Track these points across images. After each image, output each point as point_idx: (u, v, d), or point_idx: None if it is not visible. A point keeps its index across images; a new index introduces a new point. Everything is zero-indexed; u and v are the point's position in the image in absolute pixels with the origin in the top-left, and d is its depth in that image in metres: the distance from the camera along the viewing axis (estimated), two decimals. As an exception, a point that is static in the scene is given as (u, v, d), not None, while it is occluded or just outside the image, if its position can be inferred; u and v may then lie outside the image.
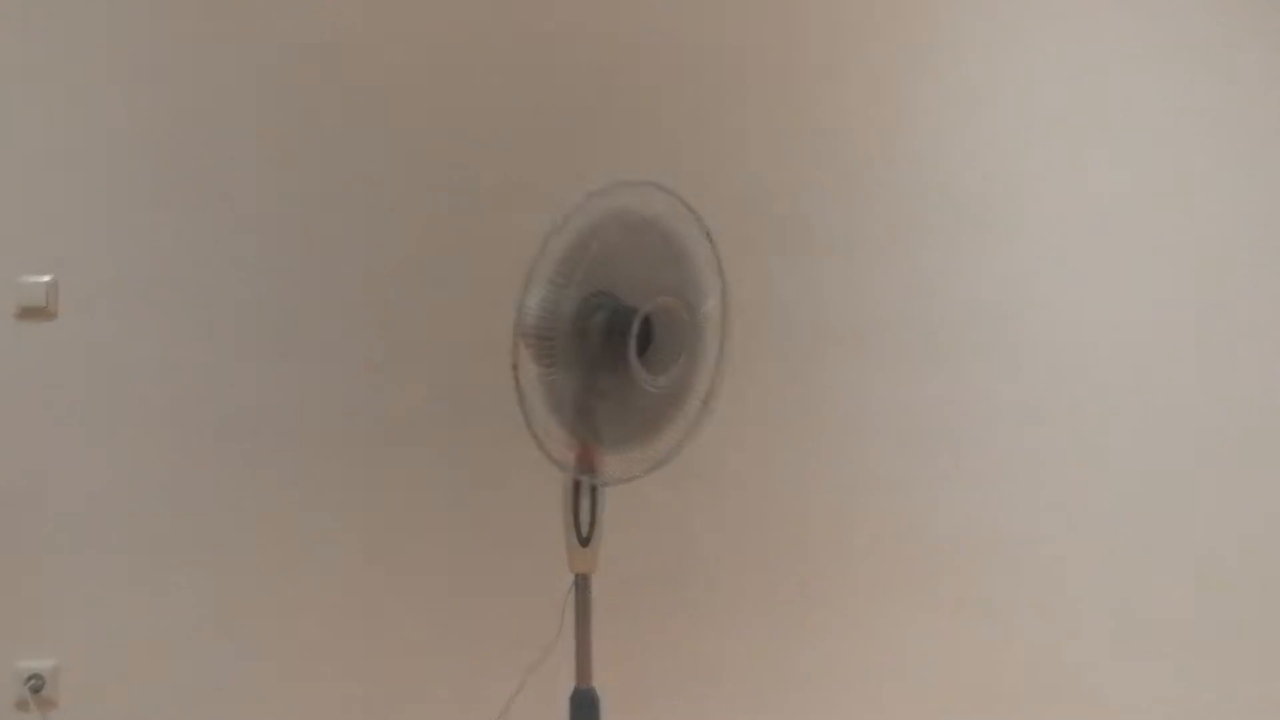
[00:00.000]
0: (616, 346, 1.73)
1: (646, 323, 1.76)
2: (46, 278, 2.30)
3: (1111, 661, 2.38)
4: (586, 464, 1.81)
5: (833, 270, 2.40)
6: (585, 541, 1.83)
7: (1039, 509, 2.39)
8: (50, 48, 2.33)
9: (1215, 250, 2.43)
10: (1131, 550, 2.39)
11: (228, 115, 2.36)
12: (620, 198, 1.77)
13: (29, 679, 2.27)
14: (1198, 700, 2.37)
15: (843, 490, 2.39)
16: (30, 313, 2.30)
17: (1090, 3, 2.46)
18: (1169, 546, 2.40)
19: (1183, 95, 2.45)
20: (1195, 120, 2.45)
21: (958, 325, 2.40)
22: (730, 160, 2.40)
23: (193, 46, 2.35)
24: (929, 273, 2.41)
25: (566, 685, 1.87)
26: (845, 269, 2.40)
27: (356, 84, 2.37)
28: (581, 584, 1.87)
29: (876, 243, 2.41)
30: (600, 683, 1.88)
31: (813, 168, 2.41)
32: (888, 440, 2.39)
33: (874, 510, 2.39)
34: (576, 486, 1.81)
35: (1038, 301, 2.41)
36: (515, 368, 1.71)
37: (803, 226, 2.40)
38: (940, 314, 2.40)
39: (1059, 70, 2.44)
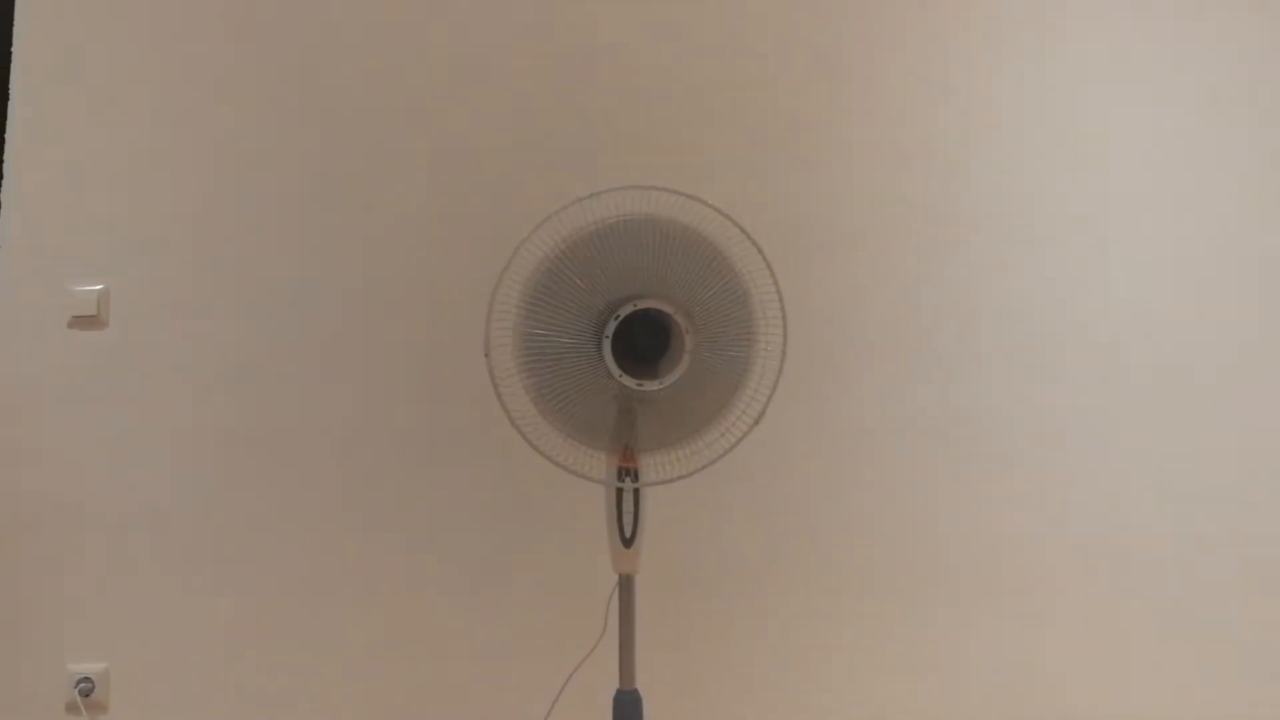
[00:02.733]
0: (643, 352, 1.78)
1: (663, 328, 1.78)
2: (98, 286, 2.35)
3: (1130, 664, 2.37)
4: (627, 466, 1.83)
5: (870, 280, 2.41)
6: (628, 542, 1.84)
7: (1071, 515, 2.38)
8: (101, 66, 2.38)
9: (1240, 255, 2.42)
10: (1155, 555, 2.38)
11: (277, 128, 2.39)
12: (629, 202, 1.79)
13: (79, 682, 2.30)
14: (1214, 705, 2.36)
15: (882, 495, 2.38)
16: (82, 321, 2.34)
17: (1108, 13, 2.46)
18: (1192, 552, 2.38)
19: (1205, 98, 2.44)
20: (1218, 122, 2.44)
21: (988, 331, 2.40)
22: (757, 169, 2.42)
23: (241, 65, 2.40)
24: (963, 280, 2.41)
25: (610, 687, 1.88)
26: (881, 278, 2.41)
27: (402, 102, 2.40)
28: (625, 585, 1.88)
29: (895, 252, 2.41)
30: (643, 684, 1.89)
31: (840, 176, 2.42)
32: (926, 446, 2.39)
33: (914, 515, 2.38)
34: (619, 488, 1.83)
35: (1063, 307, 2.41)
36: (487, 355, 1.79)
37: (831, 236, 2.41)
38: (972, 320, 2.40)
39: (1081, 77, 2.45)
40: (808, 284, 2.40)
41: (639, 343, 1.77)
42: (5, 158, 2.35)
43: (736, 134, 2.42)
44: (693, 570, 2.36)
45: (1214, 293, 2.42)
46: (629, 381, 1.75)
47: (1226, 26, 2.46)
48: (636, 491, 1.84)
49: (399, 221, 2.40)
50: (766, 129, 2.43)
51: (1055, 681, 2.37)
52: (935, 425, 2.39)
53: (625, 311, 1.75)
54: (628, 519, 1.84)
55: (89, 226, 2.36)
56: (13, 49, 2.37)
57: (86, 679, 2.30)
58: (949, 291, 2.41)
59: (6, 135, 2.35)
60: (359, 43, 2.42)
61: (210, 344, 2.36)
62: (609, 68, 2.43)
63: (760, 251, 1.81)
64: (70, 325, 2.34)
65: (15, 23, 2.37)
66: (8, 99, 2.36)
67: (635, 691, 1.88)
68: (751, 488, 2.38)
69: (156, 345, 2.35)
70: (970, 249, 2.42)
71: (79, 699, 2.30)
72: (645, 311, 1.76)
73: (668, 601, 2.32)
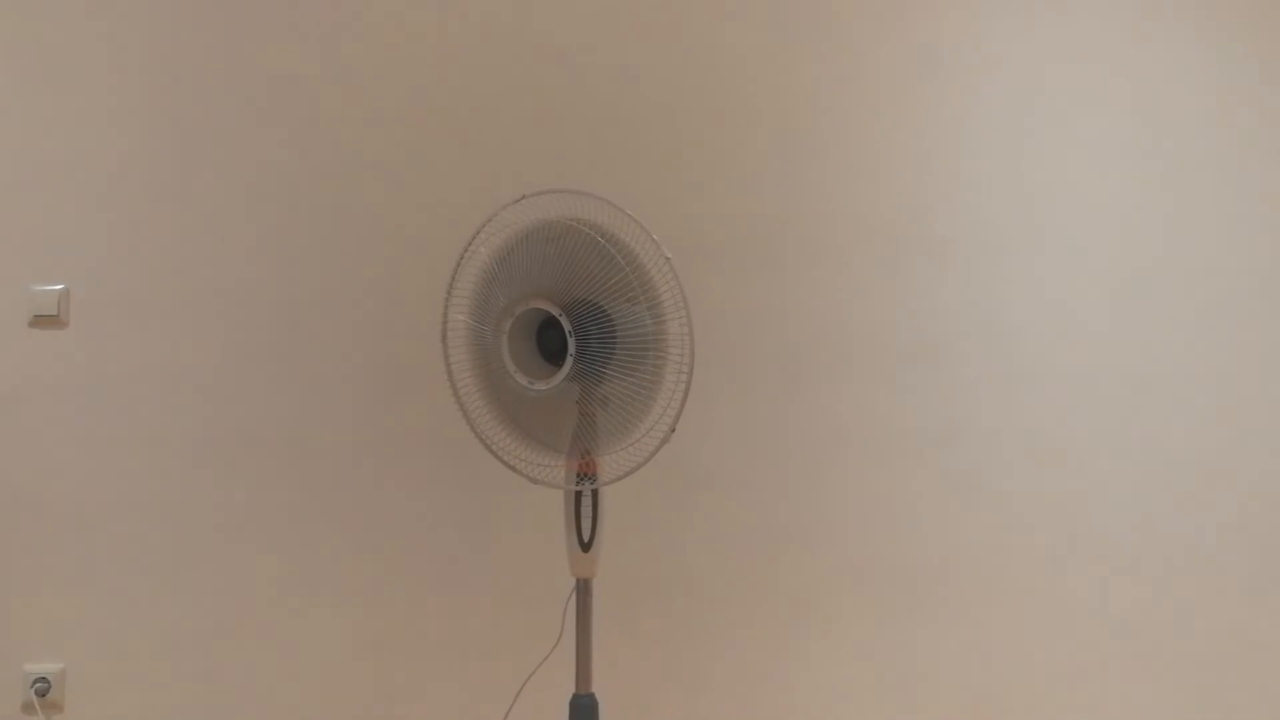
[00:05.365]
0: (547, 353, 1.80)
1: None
2: (58, 286, 2.34)
3: (1103, 673, 2.38)
4: (585, 470, 1.84)
5: (847, 287, 2.42)
6: (586, 546, 1.85)
7: (1033, 522, 2.40)
8: (65, 66, 2.37)
9: (1224, 261, 2.43)
10: (1125, 563, 2.39)
11: (239, 131, 2.39)
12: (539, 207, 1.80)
13: (35, 682, 2.29)
14: (1198, 712, 2.38)
15: (842, 501, 2.39)
16: (42, 321, 2.33)
17: (1080, 24, 2.48)
18: (1164, 559, 2.40)
19: (1180, 107, 2.47)
20: (1195, 130, 2.46)
21: (966, 338, 2.41)
22: (734, 177, 2.43)
23: (204, 66, 2.39)
24: (943, 287, 2.42)
25: (566, 691, 1.89)
26: (859, 286, 2.42)
27: (363, 105, 2.41)
28: (582, 589, 1.88)
29: (870, 259, 2.42)
30: (599, 689, 1.89)
31: (818, 185, 2.43)
32: (885, 454, 2.40)
33: (871, 522, 2.39)
34: (578, 491, 1.84)
35: (1045, 314, 2.42)
36: (444, 338, 1.82)
37: (809, 244, 2.42)
38: (951, 327, 2.41)
39: (1059, 86, 2.46)
40: (785, 291, 2.41)
41: (545, 344, 1.79)
42: (-34, 155, 2.34)
43: (713, 141, 2.43)
44: (652, 575, 2.37)
45: (1200, 299, 2.43)
46: (521, 379, 1.76)
47: (1193, 35, 2.48)
48: (595, 495, 1.84)
49: (360, 224, 2.39)
50: (744, 136, 2.44)
51: (1032, 690, 2.38)
52: (909, 432, 2.40)
53: (519, 310, 1.76)
54: (585, 523, 1.85)
55: (49, 227, 2.35)
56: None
57: (43, 679, 2.29)
58: (927, 298, 2.42)
59: (-33, 132, 2.35)
60: (322, 46, 2.41)
61: (170, 344, 2.35)
62: (580, 70, 2.43)
63: (667, 256, 1.79)
64: (31, 325, 2.34)
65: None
66: (-31, 96, 2.35)
67: (591, 696, 1.88)
68: (714, 493, 2.38)
69: (117, 345, 2.34)
70: (951, 256, 2.42)
71: (35, 699, 2.29)
72: (542, 312, 1.77)
73: (625, 606, 2.32)
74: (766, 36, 2.45)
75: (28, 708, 2.29)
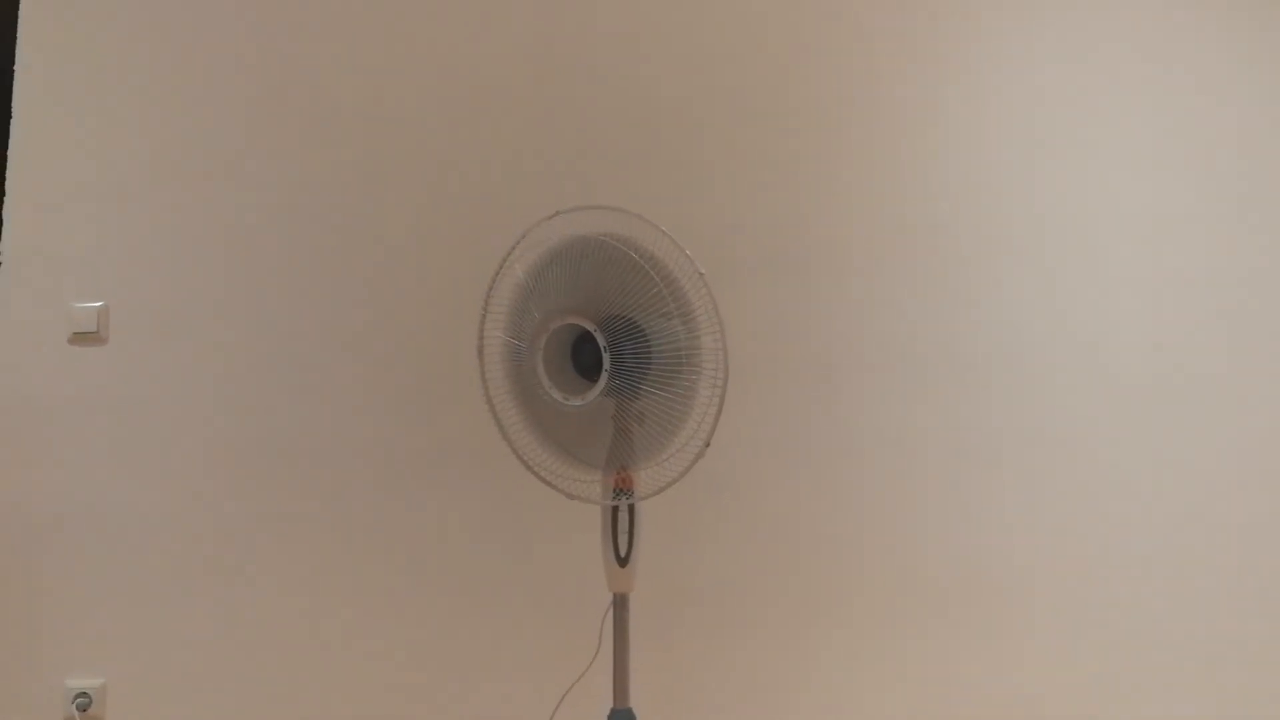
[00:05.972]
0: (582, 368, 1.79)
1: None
2: (98, 304, 2.36)
3: (1122, 680, 2.37)
4: (622, 486, 1.84)
5: (864, 297, 2.42)
6: (623, 562, 1.85)
7: (1054, 530, 2.39)
8: (101, 86, 2.40)
9: (1231, 270, 2.43)
10: (1144, 570, 2.38)
11: (275, 147, 2.41)
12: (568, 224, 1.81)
13: (76, 697, 2.31)
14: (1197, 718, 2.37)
15: (877, 510, 2.39)
16: (82, 338, 2.36)
17: (1106, 28, 2.47)
18: (1184, 566, 2.38)
19: (1194, 114, 2.46)
20: (1207, 137, 2.45)
21: (980, 348, 2.41)
22: (754, 186, 2.43)
23: (240, 87, 2.42)
24: (956, 297, 2.42)
25: (604, 705, 1.89)
26: (874, 295, 2.42)
27: (397, 120, 2.42)
28: (619, 604, 1.88)
29: (893, 270, 2.42)
30: (637, 703, 1.89)
31: (835, 194, 2.44)
32: (919, 461, 2.40)
33: (908, 530, 2.39)
34: (615, 507, 1.84)
35: (1057, 323, 2.42)
36: (480, 353, 1.82)
37: (824, 253, 2.42)
38: (965, 337, 2.41)
39: (1076, 94, 2.46)
40: (802, 300, 2.41)
41: (581, 360, 1.79)
42: (6, 176, 2.37)
43: (733, 150, 2.44)
44: (687, 587, 2.37)
45: (1206, 307, 2.42)
46: (556, 395, 1.77)
47: (1221, 42, 2.48)
48: (632, 510, 1.84)
49: (394, 238, 2.41)
50: (763, 146, 2.44)
51: (1045, 696, 2.37)
52: (929, 440, 2.40)
53: (554, 325, 1.77)
54: (623, 538, 1.85)
55: (89, 245, 2.37)
56: (15, 69, 2.39)
57: (84, 694, 2.31)
58: (942, 308, 2.42)
59: (8, 154, 2.37)
60: (357, 67, 2.44)
61: (209, 360, 2.37)
62: (604, 82, 2.44)
63: (700, 271, 1.79)
64: (71, 342, 2.36)
65: (18, 44, 2.39)
66: (10, 118, 2.38)
67: (629, 710, 1.88)
68: (745, 504, 2.38)
69: (155, 361, 2.36)
70: (964, 265, 2.43)
71: (76, 714, 2.30)
72: (577, 327, 1.77)
73: (662, 619, 2.33)
74: (791, 51, 2.45)
75: (69, 722, 2.32)
